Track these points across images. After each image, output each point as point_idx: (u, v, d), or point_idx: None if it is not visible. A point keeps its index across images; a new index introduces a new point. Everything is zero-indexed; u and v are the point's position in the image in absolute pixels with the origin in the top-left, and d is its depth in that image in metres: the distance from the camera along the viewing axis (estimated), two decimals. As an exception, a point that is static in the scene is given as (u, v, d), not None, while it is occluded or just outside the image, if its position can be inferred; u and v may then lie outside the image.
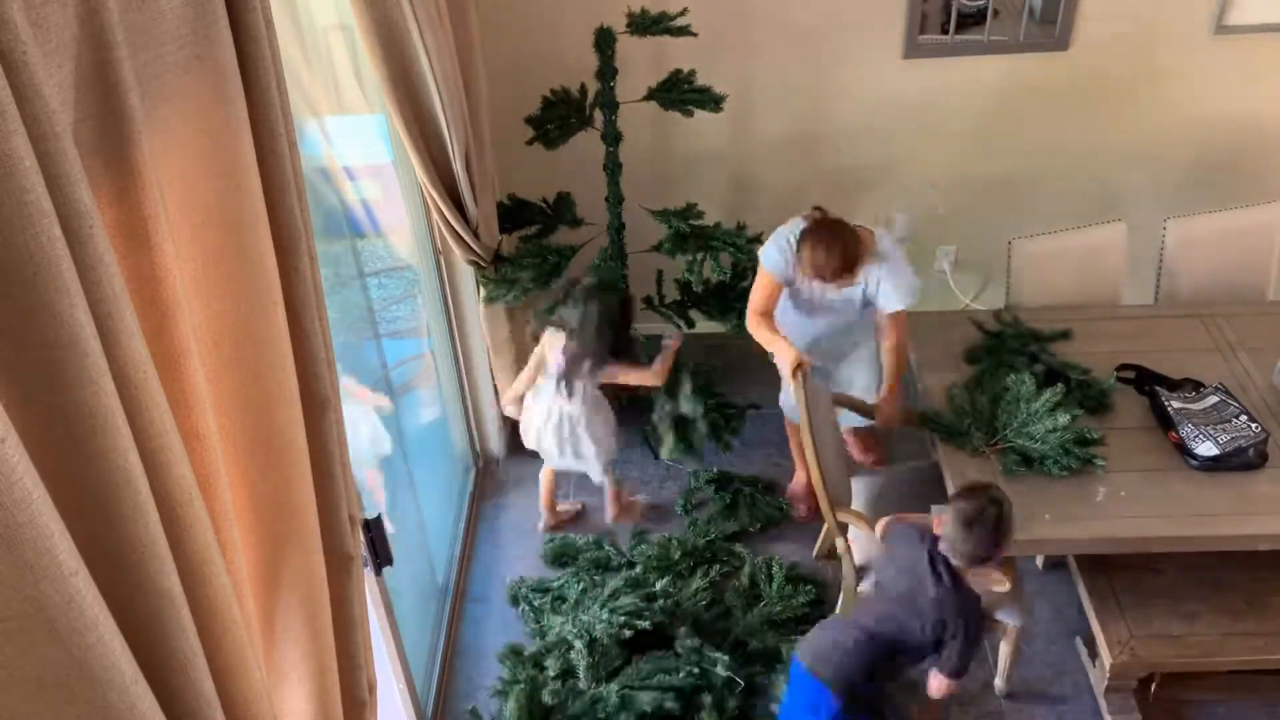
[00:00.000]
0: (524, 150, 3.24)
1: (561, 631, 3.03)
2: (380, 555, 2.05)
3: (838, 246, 2.72)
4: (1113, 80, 3.63)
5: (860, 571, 2.84)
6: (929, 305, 3.80)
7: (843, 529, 2.81)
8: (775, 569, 3.23)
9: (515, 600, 3.25)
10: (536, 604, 3.20)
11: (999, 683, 2.94)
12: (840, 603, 2.94)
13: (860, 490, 3.01)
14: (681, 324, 3.45)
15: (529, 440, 3.26)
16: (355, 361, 2.67)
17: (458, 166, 2.78)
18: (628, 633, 2.95)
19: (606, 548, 3.36)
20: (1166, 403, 2.73)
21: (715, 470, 3.61)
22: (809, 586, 3.18)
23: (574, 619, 3.05)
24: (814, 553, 3.36)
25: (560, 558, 3.36)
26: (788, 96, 3.68)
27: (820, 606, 3.18)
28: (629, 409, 3.82)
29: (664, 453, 3.35)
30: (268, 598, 1.32)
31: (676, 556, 3.27)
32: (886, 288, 2.86)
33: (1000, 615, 2.72)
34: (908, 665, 2.51)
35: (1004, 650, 2.86)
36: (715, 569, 3.25)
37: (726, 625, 3.06)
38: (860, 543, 2.83)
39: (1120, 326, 3.11)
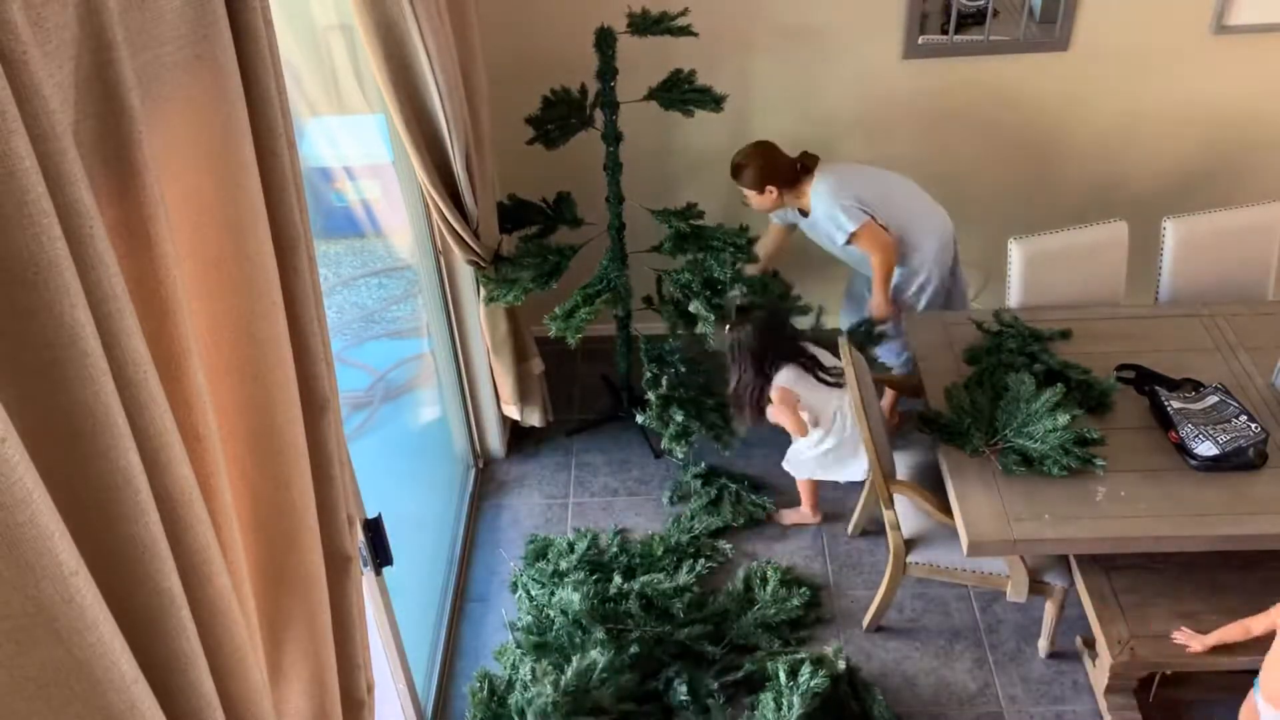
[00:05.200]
0: (524, 150, 3.24)
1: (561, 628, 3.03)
2: (380, 555, 2.05)
3: (750, 157, 3.29)
4: (1113, 80, 3.63)
5: (908, 545, 2.87)
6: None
7: (891, 502, 2.83)
8: (770, 571, 3.22)
9: (514, 586, 3.27)
10: (534, 594, 3.20)
11: (1042, 643, 3.01)
12: (887, 576, 2.96)
13: (902, 462, 3.05)
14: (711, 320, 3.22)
15: None
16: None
17: (458, 166, 2.78)
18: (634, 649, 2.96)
19: (591, 547, 3.36)
20: (1166, 403, 2.73)
21: (704, 465, 3.62)
22: (803, 589, 3.17)
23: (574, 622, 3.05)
24: (849, 529, 3.40)
25: (542, 557, 3.36)
26: (788, 96, 3.68)
27: (815, 609, 3.18)
28: (629, 410, 3.82)
29: (664, 441, 3.34)
30: (267, 598, 1.32)
31: (660, 553, 3.28)
32: (821, 219, 3.29)
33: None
34: None
35: (1049, 610, 2.92)
36: (700, 563, 3.26)
37: (721, 629, 3.06)
38: (909, 516, 2.89)
39: (1120, 326, 3.11)
